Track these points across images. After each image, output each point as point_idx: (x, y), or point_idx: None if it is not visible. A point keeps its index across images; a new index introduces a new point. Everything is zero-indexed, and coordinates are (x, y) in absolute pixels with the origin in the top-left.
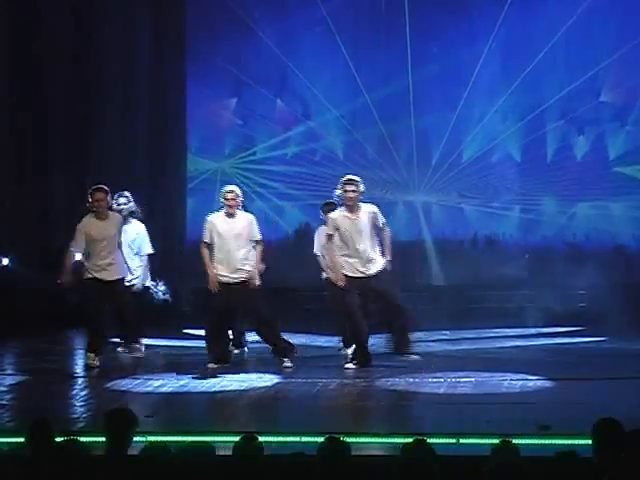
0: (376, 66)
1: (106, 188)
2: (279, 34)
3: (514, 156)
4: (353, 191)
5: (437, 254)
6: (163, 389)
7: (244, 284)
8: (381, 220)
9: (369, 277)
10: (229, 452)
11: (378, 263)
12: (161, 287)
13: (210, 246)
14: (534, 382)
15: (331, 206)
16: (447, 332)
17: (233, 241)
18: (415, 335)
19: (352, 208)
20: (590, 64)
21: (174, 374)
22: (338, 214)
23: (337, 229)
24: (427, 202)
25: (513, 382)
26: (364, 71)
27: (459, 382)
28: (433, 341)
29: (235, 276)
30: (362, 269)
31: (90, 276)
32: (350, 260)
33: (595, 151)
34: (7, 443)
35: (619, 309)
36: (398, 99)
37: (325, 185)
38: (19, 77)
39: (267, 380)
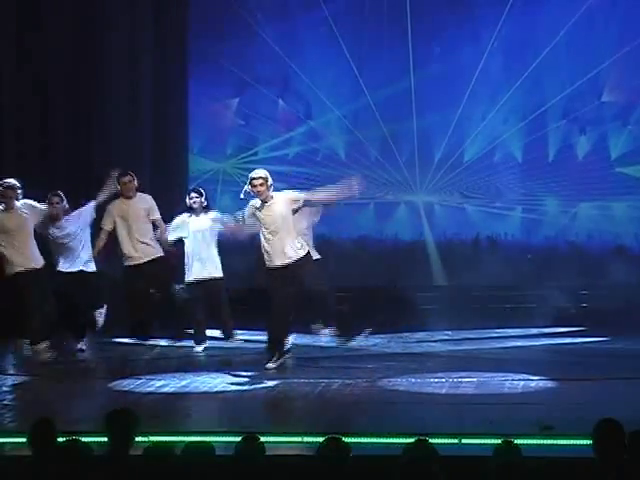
0: (378, 66)
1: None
2: (281, 34)
3: (516, 156)
4: (261, 184)
5: (439, 254)
6: (165, 389)
7: None
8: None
9: (286, 266)
10: (231, 452)
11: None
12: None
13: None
14: (536, 382)
15: None
16: (449, 332)
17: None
18: (417, 335)
19: (265, 200)
20: (592, 64)
21: (175, 374)
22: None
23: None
24: (429, 202)
25: (515, 382)
26: (366, 71)
27: (461, 382)
28: (435, 341)
29: None
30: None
31: None
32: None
33: (597, 151)
34: (9, 443)
35: (621, 309)
36: (400, 99)
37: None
38: (19, 77)
39: (269, 380)
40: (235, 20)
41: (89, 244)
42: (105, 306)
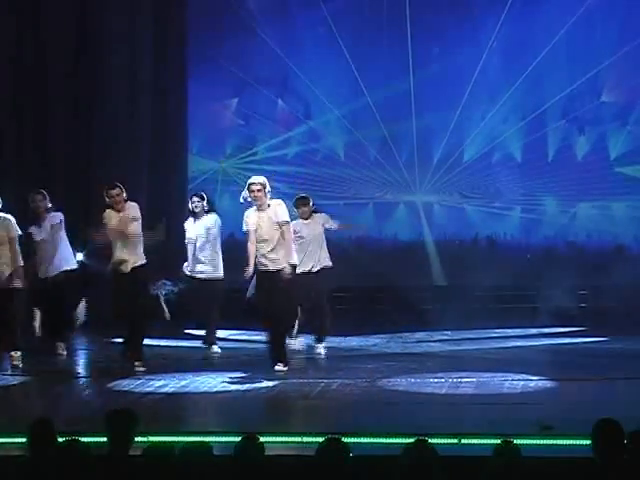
0: (377, 66)
1: None
2: (281, 34)
3: (515, 156)
4: (258, 190)
5: (438, 254)
6: (164, 389)
7: None
8: (281, 217)
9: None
10: (230, 452)
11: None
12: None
13: None
14: (535, 382)
15: (305, 200)
16: (449, 332)
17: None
18: (417, 335)
19: (261, 206)
20: (591, 64)
21: (175, 374)
22: (251, 211)
23: (249, 225)
24: (428, 202)
25: (514, 382)
26: (365, 71)
27: (461, 382)
28: (435, 341)
29: None
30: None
31: None
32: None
33: (596, 151)
34: (9, 443)
35: (620, 309)
36: (399, 99)
37: (326, 185)
38: (20, 78)
39: (269, 380)
40: (234, 20)
41: (66, 242)
42: (84, 301)
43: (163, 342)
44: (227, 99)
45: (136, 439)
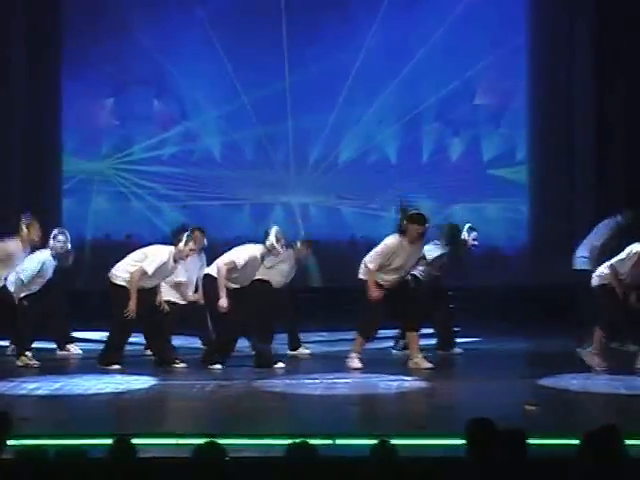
0: (254, 67)
1: None
2: (157, 34)
3: (391, 157)
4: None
5: (315, 255)
6: (38, 392)
7: None
8: None
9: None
10: (103, 455)
11: None
12: None
13: None
14: (410, 383)
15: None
16: (324, 334)
17: None
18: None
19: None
20: (465, 66)
21: (49, 377)
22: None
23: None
24: (304, 203)
25: (389, 383)
26: (242, 72)
27: (336, 383)
28: (310, 342)
29: None
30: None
31: None
32: None
33: (470, 153)
34: None
35: (494, 309)
36: (276, 100)
37: (203, 186)
38: None
39: (143, 382)
40: (111, 20)
41: None
42: None
43: (42, 345)
44: (103, 99)
45: (8, 442)
